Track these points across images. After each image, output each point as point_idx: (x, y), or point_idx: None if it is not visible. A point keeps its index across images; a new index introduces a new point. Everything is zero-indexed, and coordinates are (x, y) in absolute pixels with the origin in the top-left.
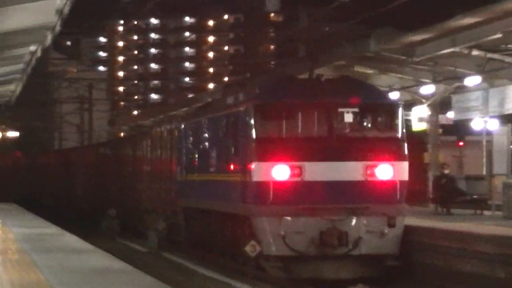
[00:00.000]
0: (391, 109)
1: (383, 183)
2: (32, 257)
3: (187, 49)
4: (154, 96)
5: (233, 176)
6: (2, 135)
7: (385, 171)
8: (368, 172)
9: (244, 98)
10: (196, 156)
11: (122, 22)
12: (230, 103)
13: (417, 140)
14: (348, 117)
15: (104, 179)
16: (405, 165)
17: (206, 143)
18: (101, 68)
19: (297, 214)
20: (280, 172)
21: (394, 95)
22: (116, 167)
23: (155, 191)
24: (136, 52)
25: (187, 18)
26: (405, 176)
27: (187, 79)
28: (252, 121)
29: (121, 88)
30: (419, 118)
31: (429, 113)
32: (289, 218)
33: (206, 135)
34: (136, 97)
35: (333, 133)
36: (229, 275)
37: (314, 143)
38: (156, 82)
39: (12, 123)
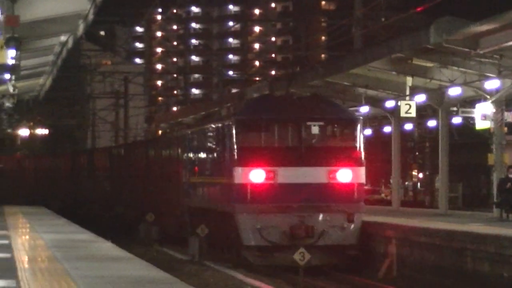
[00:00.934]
0: (351, 123)
1: (343, 185)
2: (64, 265)
3: (231, 40)
4: (195, 91)
5: (221, 179)
6: (30, 133)
7: (345, 175)
8: (331, 176)
9: (229, 113)
10: (196, 161)
11: (160, 10)
12: (221, 117)
13: (479, 140)
14: (315, 130)
15: (138, 182)
16: (362, 170)
17: (204, 150)
18: (138, 60)
19: (271, 211)
20: (257, 175)
21: (355, 111)
22: (144, 169)
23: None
24: (175, 43)
25: (231, 6)
26: (362, 179)
27: (231, 72)
28: (234, 133)
29: (159, 82)
30: (482, 115)
31: (494, 110)
32: (264, 214)
33: (204, 142)
34: (175, 92)
35: (302, 143)
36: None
37: (286, 151)
38: (197, 75)
39: (41, 119)
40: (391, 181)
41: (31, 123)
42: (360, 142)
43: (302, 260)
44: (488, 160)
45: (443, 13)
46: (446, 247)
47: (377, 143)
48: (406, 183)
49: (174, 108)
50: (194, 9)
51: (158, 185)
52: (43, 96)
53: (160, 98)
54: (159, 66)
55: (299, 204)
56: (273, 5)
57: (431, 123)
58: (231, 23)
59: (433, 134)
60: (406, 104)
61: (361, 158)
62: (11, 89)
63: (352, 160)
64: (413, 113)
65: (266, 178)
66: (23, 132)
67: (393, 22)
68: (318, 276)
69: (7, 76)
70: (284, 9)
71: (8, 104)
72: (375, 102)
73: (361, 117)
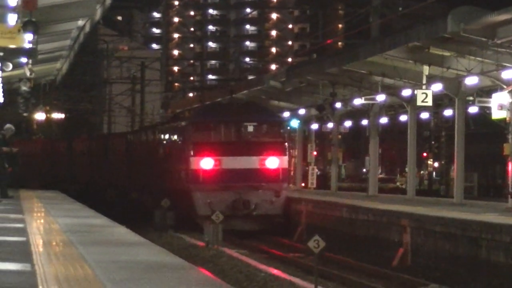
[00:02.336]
0: (277, 124)
1: (271, 170)
2: (79, 249)
3: (248, 26)
4: (211, 77)
5: (181, 166)
6: (46, 117)
7: (272, 162)
8: (262, 163)
9: (187, 116)
10: (170, 150)
11: None
12: (183, 118)
13: (495, 129)
14: (250, 129)
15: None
16: (286, 158)
17: (171, 143)
18: (155, 46)
19: (218, 189)
20: (207, 163)
21: (282, 114)
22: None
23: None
24: (192, 29)
25: None
26: (286, 165)
27: (247, 59)
28: (190, 132)
29: (176, 68)
30: (499, 105)
31: (510, 100)
32: (212, 192)
33: (171, 137)
34: (192, 78)
35: (240, 139)
36: (294, 273)
37: (228, 145)
38: (214, 62)
39: (57, 104)
40: (407, 170)
41: (48, 108)
42: (283, 138)
43: (317, 248)
44: (504, 150)
45: (461, 2)
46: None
47: (393, 132)
48: (422, 172)
49: (190, 94)
50: None
51: (145, 171)
52: (59, 81)
53: (176, 84)
54: (176, 52)
55: (238, 184)
56: None
57: (447, 112)
58: (248, 10)
59: (449, 124)
60: (422, 93)
61: (284, 149)
62: (28, 73)
63: (277, 151)
64: (429, 102)
65: (214, 165)
66: (39, 116)
67: (410, 11)
68: (329, 263)
69: (24, 60)
70: None
71: (24, 88)
72: (391, 91)
73: (285, 119)
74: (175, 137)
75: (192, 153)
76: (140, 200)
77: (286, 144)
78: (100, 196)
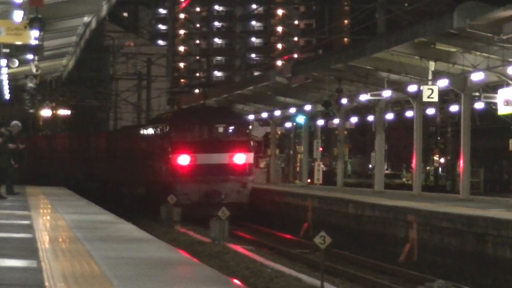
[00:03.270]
0: (243, 125)
1: (238, 165)
2: (85, 246)
3: (254, 22)
4: (217, 73)
5: (163, 162)
6: (53, 113)
7: (239, 158)
8: (230, 158)
9: (167, 119)
10: (153, 148)
11: None
12: (163, 120)
13: (501, 125)
14: (220, 129)
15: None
16: (251, 155)
17: (156, 142)
18: (161, 42)
19: (193, 182)
20: (184, 159)
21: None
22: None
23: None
24: (198, 25)
25: None
26: (251, 161)
27: (253, 55)
28: (169, 132)
29: (182, 64)
30: (505, 101)
31: None
32: (189, 184)
33: (154, 137)
34: (198, 74)
35: (212, 138)
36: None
37: (202, 143)
38: (220, 58)
39: (64, 100)
40: (413, 165)
41: (54, 104)
42: (249, 137)
43: (323, 244)
44: (510, 146)
45: None
46: (467, 232)
47: (399, 128)
48: (428, 168)
49: (196, 90)
50: None
51: (131, 166)
52: (65, 77)
53: (182, 80)
54: (182, 48)
55: (210, 177)
56: None
57: (453, 108)
58: (254, 6)
59: (455, 119)
60: (428, 89)
61: (250, 147)
62: (34, 70)
63: (243, 148)
64: (435, 97)
65: (190, 161)
66: (46, 112)
67: (416, 6)
68: (335, 259)
69: (30, 56)
70: None
71: (31, 84)
72: (397, 86)
73: (251, 121)
74: (157, 137)
75: (171, 151)
76: (126, 193)
77: (251, 142)
78: (91, 190)
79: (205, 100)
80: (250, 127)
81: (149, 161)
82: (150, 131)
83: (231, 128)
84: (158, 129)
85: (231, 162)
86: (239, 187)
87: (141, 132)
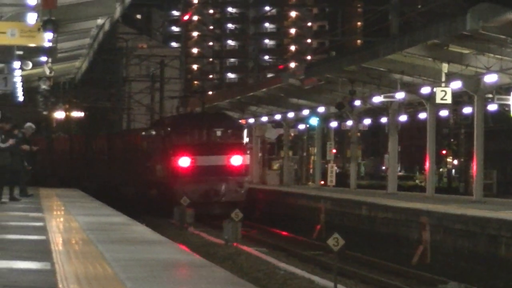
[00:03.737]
0: (239, 129)
1: (235, 166)
2: (98, 248)
3: (267, 24)
4: (230, 75)
5: (165, 163)
6: (66, 115)
7: (236, 160)
8: (227, 160)
9: (168, 123)
10: (156, 151)
11: None
12: (165, 125)
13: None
14: (218, 134)
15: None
16: (247, 157)
17: (158, 145)
18: (174, 44)
19: (194, 182)
20: (184, 161)
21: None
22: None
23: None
24: (211, 27)
25: None
26: (247, 162)
27: (266, 57)
28: (171, 136)
29: (195, 66)
30: None
31: None
32: (189, 184)
33: (157, 140)
34: (211, 76)
35: (211, 141)
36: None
37: (201, 146)
38: (233, 60)
39: (77, 102)
40: (426, 167)
41: (67, 106)
42: (244, 140)
43: (336, 246)
44: None
45: None
46: (480, 234)
47: (412, 129)
48: (441, 169)
49: (210, 92)
50: None
51: (135, 167)
52: (79, 79)
53: (195, 82)
54: (195, 50)
55: (209, 177)
56: None
57: (467, 109)
58: (267, 8)
59: (469, 121)
60: (441, 91)
61: (245, 149)
62: (47, 72)
63: (240, 151)
64: (448, 99)
65: (190, 163)
66: (59, 114)
67: (429, 8)
68: (348, 261)
69: (43, 58)
70: None
71: (44, 86)
72: (410, 88)
73: (246, 125)
74: (159, 140)
75: (173, 153)
76: (130, 192)
77: (247, 145)
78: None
79: (203, 105)
80: (245, 131)
81: (152, 163)
82: (153, 134)
83: (228, 132)
84: (161, 133)
85: (228, 164)
86: (236, 187)
87: (144, 134)
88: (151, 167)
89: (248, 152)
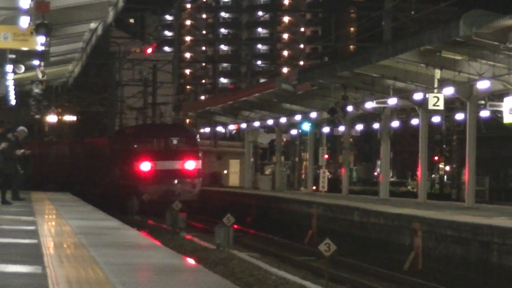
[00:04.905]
0: (193, 138)
1: (189, 170)
2: (90, 252)
3: (260, 29)
4: (223, 80)
5: (129, 168)
6: (58, 119)
7: (190, 164)
8: (182, 165)
9: (132, 132)
10: (121, 156)
11: None
12: (129, 133)
13: (507, 133)
14: (174, 142)
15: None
16: (199, 162)
17: (123, 152)
18: (167, 48)
19: (154, 183)
20: (146, 166)
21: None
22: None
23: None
24: (204, 32)
25: None
26: (199, 167)
27: (259, 62)
28: (134, 144)
29: (188, 71)
30: (510, 109)
31: None
32: (151, 185)
33: (121, 147)
34: (203, 80)
35: (168, 148)
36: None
37: (160, 153)
38: (226, 65)
39: (69, 106)
40: (418, 173)
41: (60, 110)
42: (197, 147)
43: (328, 251)
44: None
45: (473, 6)
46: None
47: (404, 135)
48: (433, 175)
49: (202, 97)
50: None
51: (102, 171)
52: (71, 83)
53: (188, 87)
54: (188, 55)
55: (167, 179)
56: None
57: (459, 116)
58: (260, 13)
59: (461, 127)
60: (434, 97)
61: (198, 155)
62: (40, 75)
63: (193, 156)
64: (441, 105)
65: (151, 167)
66: (51, 118)
67: (423, 14)
68: (340, 267)
69: (36, 62)
70: None
71: (36, 90)
72: (403, 94)
73: (198, 135)
74: (124, 147)
75: (135, 159)
76: (93, 193)
77: (199, 152)
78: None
79: (160, 117)
80: (198, 139)
81: (118, 166)
82: (118, 141)
83: (183, 140)
84: (125, 141)
85: (183, 168)
86: (190, 188)
87: (110, 141)
88: (117, 170)
89: (200, 157)
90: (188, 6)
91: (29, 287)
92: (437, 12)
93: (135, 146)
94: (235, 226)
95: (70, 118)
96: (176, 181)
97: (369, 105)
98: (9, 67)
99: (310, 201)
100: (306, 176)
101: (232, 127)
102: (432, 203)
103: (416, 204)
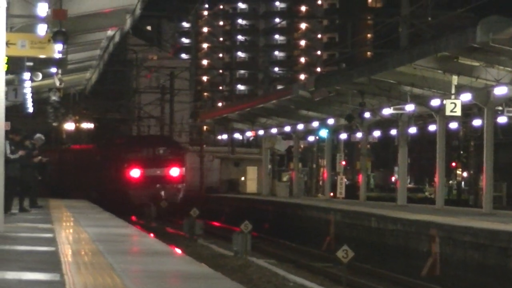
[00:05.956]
0: (177, 148)
1: (174, 176)
2: (108, 259)
3: (277, 36)
4: (240, 87)
5: (120, 174)
6: (76, 126)
7: (174, 171)
8: (168, 172)
9: (124, 143)
10: (114, 164)
11: (207, 6)
12: (119, 143)
13: None
14: (161, 151)
15: None
16: (183, 169)
17: (116, 160)
18: (184, 55)
19: (143, 188)
20: (135, 172)
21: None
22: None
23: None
24: (222, 39)
25: (277, 3)
26: (183, 173)
27: (276, 69)
28: (126, 153)
29: (205, 78)
30: None
31: None
32: (140, 189)
33: (113, 155)
34: (221, 87)
35: (155, 157)
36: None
37: (148, 161)
38: (243, 71)
39: (87, 113)
40: (435, 179)
41: (77, 117)
42: (182, 156)
43: (345, 257)
44: None
45: (490, 12)
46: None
47: (422, 142)
48: (450, 182)
49: (219, 104)
50: (241, 5)
51: (97, 177)
52: (89, 90)
53: (205, 94)
54: (205, 62)
55: (155, 184)
56: (319, 2)
57: (476, 122)
58: (277, 20)
59: (478, 133)
60: (451, 103)
61: (182, 163)
62: (57, 83)
63: (177, 164)
64: (458, 112)
65: (140, 174)
66: (69, 126)
67: (439, 21)
68: (357, 273)
69: (54, 70)
70: (330, 6)
71: (54, 97)
72: (420, 100)
73: (183, 145)
74: (116, 155)
75: (126, 166)
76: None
77: (183, 160)
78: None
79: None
80: (182, 149)
81: (110, 173)
82: (109, 150)
83: (168, 149)
84: (117, 150)
85: (168, 174)
86: (174, 192)
87: (102, 150)
88: (109, 176)
89: (184, 165)
90: (205, 13)
91: None
92: (454, 18)
93: (127, 155)
94: (253, 233)
95: (87, 125)
96: (162, 186)
97: (386, 111)
98: (26, 75)
99: (327, 208)
100: (323, 183)
101: (249, 133)
102: (450, 209)
103: (433, 210)
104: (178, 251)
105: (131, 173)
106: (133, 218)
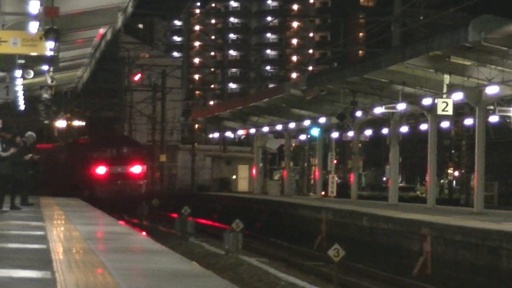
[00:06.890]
0: (138, 147)
1: (135, 173)
2: (99, 257)
3: (269, 35)
4: (232, 85)
5: (88, 171)
6: (67, 124)
7: (136, 169)
8: (130, 169)
9: (90, 143)
10: (81, 162)
11: (199, 4)
12: (87, 143)
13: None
14: (124, 151)
15: None
16: (144, 166)
17: (83, 158)
18: (176, 54)
19: (107, 184)
20: (101, 170)
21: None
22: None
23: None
24: (213, 37)
25: (269, 1)
26: (144, 170)
27: (268, 67)
28: (92, 152)
29: (196, 76)
30: None
31: None
32: (105, 185)
33: (81, 154)
34: (212, 86)
35: (119, 156)
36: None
37: (112, 159)
38: (235, 70)
39: (78, 111)
40: (427, 179)
41: (69, 115)
42: (143, 155)
43: (337, 256)
44: None
45: (482, 11)
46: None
47: (413, 141)
48: (442, 181)
49: (211, 102)
50: (233, 3)
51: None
52: (80, 88)
53: (197, 92)
54: (197, 60)
55: (118, 180)
56: (311, 0)
57: (468, 121)
58: (269, 18)
59: (470, 133)
60: (443, 102)
61: (143, 161)
62: (49, 81)
63: (138, 162)
64: (450, 111)
65: (105, 171)
66: (60, 123)
67: (431, 20)
68: (349, 272)
69: (45, 67)
70: (323, 4)
71: (46, 95)
72: (412, 100)
73: (141, 145)
74: (84, 154)
75: (93, 164)
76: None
77: (144, 158)
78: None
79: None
80: (143, 148)
81: (77, 170)
82: (77, 150)
83: (130, 148)
84: (84, 149)
85: (130, 171)
86: (136, 187)
87: (69, 150)
88: (76, 174)
89: (145, 163)
90: (197, 11)
91: None
92: (446, 17)
93: (92, 154)
94: (244, 232)
95: (79, 123)
96: (124, 182)
97: (378, 110)
98: (18, 73)
99: (319, 206)
100: (315, 181)
101: (241, 132)
102: (441, 209)
103: (425, 209)
104: (170, 249)
105: (96, 170)
106: (125, 217)
